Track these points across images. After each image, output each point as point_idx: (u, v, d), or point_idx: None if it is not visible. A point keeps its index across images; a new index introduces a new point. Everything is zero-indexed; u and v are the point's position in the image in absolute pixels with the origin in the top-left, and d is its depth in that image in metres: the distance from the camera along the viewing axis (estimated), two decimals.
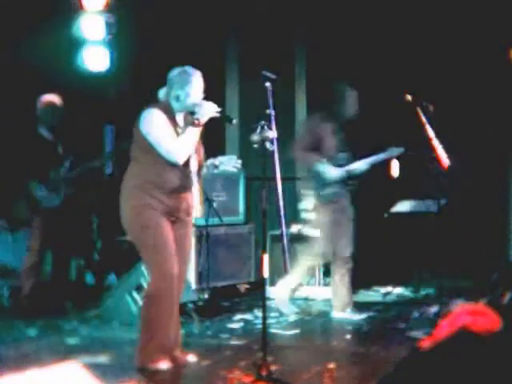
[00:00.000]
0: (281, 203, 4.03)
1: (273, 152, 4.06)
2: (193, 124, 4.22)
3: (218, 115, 4.26)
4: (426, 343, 2.45)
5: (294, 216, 7.88)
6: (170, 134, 4.21)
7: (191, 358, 4.51)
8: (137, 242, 4.32)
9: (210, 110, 4.23)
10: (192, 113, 4.29)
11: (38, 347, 4.98)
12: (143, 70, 7.48)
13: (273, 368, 4.05)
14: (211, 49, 7.99)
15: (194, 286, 6.49)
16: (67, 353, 4.70)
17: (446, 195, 6.13)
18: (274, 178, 4.04)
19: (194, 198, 4.40)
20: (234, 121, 4.34)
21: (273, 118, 4.11)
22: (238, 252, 7.22)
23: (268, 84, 4.15)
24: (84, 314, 6.04)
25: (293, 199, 8.15)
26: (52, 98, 6.23)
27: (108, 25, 6.85)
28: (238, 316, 6.08)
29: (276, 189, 4.04)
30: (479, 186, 7.44)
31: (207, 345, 5.07)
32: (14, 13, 6.61)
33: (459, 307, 2.56)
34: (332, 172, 5.74)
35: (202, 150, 4.45)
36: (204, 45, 7.85)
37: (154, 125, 4.19)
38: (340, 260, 5.84)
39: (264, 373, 3.92)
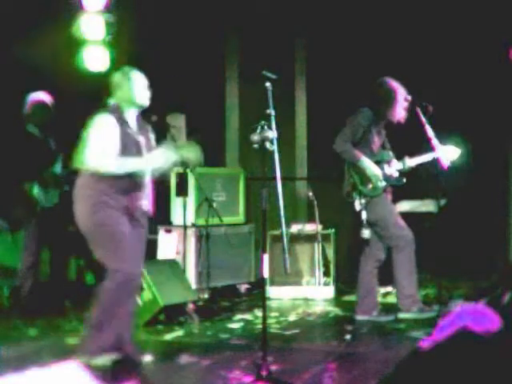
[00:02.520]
0: (281, 203, 4.03)
1: (273, 152, 4.06)
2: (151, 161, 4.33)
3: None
4: (425, 343, 2.44)
5: (294, 216, 7.91)
6: (105, 144, 4.22)
7: (147, 357, 4.53)
8: (93, 240, 4.31)
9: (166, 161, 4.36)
10: (144, 112, 4.40)
11: (38, 347, 4.99)
12: (143, 70, 7.48)
13: (273, 368, 4.05)
14: (211, 49, 8.00)
15: (194, 285, 6.49)
16: (67, 353, 4.69)
17: (446, 195, 6.13)
18: (274, 178, 4.04)
19: (148, 199, 4.45)
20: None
21: (273, 117, 4.10)
22: (238, 252, 7.22)
23: (268, 84, 4.15)
24: (84, 314, 6.04)
25: (293, 199, 8.18)
26: (42, 96, 6.23)
27: (108, 25, 6.85)
28: (238, 316, 6.08)
29: (276, 189, 4.03)
30: (479, 186, 7.44)
31: (207, 345, 5.07)
32: (13, 13, 6.61)
33: (459, 307, 2.56)
34: (375, 170, 5.71)
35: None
36: (204, 45, 7.85)
37: (95, 128, 4.26)
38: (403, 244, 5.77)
39: (264, 373, 3.91)
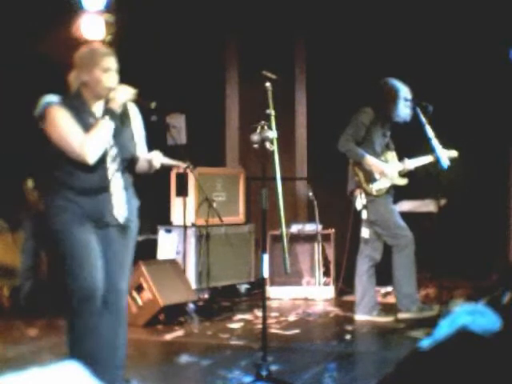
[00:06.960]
0: (281, 203, 4.03)
1: (273, 152, 4.06)
2: (106, 113, 3.68)
3: (133, 99, 3.78)
4: (425, 343, 2.44)
5: (294, 216, 7.91)
6: (73, 132, 3.62)
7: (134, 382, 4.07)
8: (55, 248, 3.84)
9: (124, 94, 3.72)
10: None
11: (38, 347, 4.99)
12: (143, 70, 7.48)
13: (273, 368, 4.05)
14: (211, 49, 8.00)
15: (194, 285, 6.49)
16: (67, 353, 4.68)
17: (446, 195, 6.13)
18: (274, 178, 4.04)
19: (121, 200, 3.73)
20: (153, 104, 3.80)
21: (273, 118, 4.10)
22: (238, 252, 7.22)
23: (268, 84, 4.15)
24: None
25: (293, 199, 8.18)
26: None
27: (108, 25, 6.85)
28: (238, 316, 6.08)
29: (276, 189, 4.04)
30: (479, 186, 7.43)
31: (207, 345, 5.07)
32: (13, 13, 6.61)
33: (459, 307, 2.56)
34: (380, 166, 5.70)
35: (133, 145, 3.84)
36: (204, 45, 7.86)
37: (53, 124, 3.61)
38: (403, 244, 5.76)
39: (264, 373, 3.92)
